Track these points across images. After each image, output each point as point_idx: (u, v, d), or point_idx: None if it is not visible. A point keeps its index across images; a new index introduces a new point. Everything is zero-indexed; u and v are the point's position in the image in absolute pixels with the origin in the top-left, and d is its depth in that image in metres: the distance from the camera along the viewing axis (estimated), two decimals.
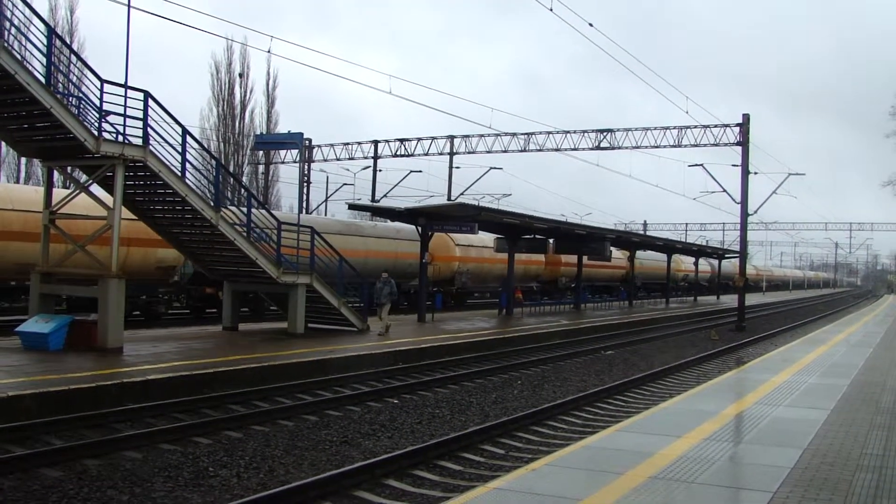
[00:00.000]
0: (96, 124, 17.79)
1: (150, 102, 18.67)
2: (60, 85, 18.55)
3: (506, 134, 47.77)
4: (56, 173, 21.98)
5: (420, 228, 30.93)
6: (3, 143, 25.46)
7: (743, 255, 43.42)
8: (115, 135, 18.23)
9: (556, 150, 46.52)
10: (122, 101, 18.17)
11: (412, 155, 52.01)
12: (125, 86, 18.10)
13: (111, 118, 18.29)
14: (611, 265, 58.55)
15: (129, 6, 18.58)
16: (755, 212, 43.04)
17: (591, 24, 28.98)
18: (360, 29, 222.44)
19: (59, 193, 21.05)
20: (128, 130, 18.34)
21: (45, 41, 17.11)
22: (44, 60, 17.03)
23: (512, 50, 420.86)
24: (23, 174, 54.47)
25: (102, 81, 17.86)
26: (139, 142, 18.45)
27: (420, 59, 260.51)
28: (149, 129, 18.67)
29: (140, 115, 18.49)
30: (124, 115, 18.23)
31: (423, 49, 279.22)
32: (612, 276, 62.09)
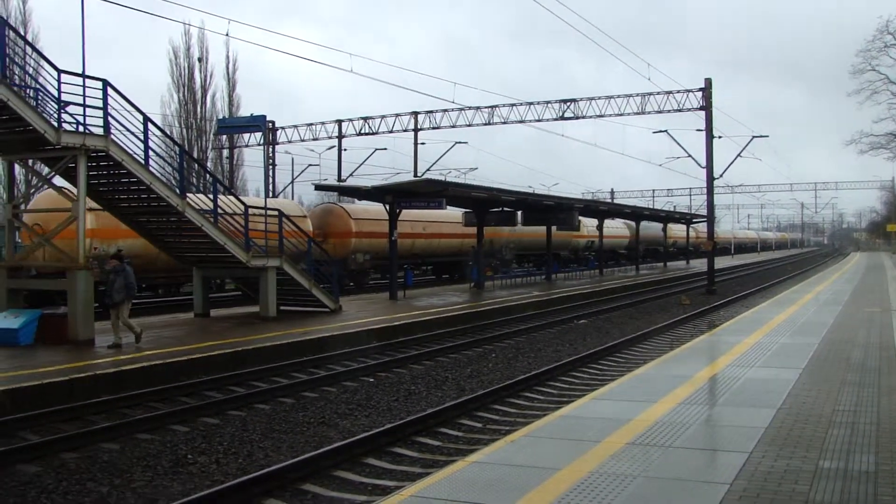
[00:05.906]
0: (56, 115, 17.58)
1: (110, 91, 18.45)
2: (17, 77, 18.30)
3: (469, 108, 47.71)
4: (17, 167, 21.68)
5: (388, 206, 30.85)
6: None
7: (711, 219, 43.51)
8: (75, 125, 18.04)
9: (521, 122, 46.45)
10: (80, 90, 17.98)
11: (376, 133, 51.83)
12: (83, 75, 17.90)
13: (71, 108, 18.09)
14: (449, 233, 44.99)
15: None
16: (721, 175, 43.29)
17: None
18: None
19: None
20: (88, 120, 18.17)
21: None
22: None
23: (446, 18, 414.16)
24: None
25: (59, 71, 17.64)
26: (100, 131, 18.25)
27: (339, 30, 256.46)
28: (109, 118, 18.46)
29: (100, 104, 18.29)
30: (83, 105, 18.04)
31: (340, 19, 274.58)
32: (450, 247, 46.05)
